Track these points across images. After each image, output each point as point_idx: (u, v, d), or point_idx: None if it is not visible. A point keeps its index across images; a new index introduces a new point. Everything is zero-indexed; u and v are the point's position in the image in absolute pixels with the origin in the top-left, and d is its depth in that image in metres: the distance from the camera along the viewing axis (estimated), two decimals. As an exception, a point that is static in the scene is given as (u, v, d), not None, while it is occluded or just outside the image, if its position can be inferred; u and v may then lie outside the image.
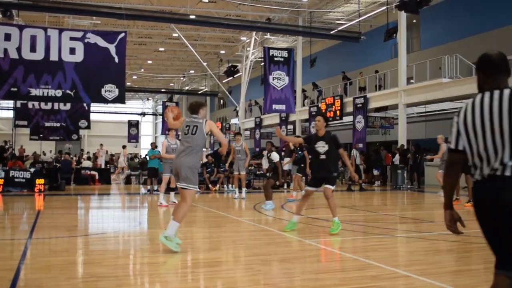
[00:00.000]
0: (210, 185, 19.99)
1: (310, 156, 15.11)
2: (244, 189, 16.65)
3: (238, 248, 7.82)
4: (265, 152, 21.55)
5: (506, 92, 3.11)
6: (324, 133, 8.96)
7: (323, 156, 8.87)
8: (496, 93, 3.13)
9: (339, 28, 31.08)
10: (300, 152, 15.83)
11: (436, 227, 10.02)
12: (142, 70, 51.19)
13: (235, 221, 11.21)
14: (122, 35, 18.65)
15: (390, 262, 6.51)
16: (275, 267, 6.26)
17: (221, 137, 7.72)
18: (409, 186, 22.07)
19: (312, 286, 5.42)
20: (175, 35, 36.09)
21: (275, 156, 14.00)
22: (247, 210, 13.86)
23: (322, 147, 8.86)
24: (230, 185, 20.07)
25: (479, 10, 28.20)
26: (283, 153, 19.48)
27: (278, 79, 25.84)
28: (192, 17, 25.08)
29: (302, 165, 15.69)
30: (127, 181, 25.07)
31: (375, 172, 24.96)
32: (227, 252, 7.37)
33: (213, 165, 20.88)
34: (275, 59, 26.05)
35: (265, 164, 22.28)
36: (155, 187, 18.59)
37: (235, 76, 37.91)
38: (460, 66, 22.72)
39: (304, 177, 16.05)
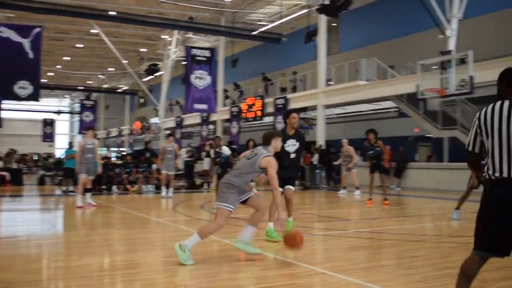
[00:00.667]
0: (128, 186, 19.58)
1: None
2: (171, 189, 16.89)
3: (156, 249, 7.70)
4: (207, 152, 21.35)
5: None
6: (294, 131, 8.48)
7: (293, 155, 8.36)
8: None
9: (261, 29, 31.41)
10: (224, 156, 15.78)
11: (351, 225, 10.30)
12: (59, 66, 49.48)
13: (153, 222, 11.04)
14: (38, 29, 17.99)
15: (307, 260, 6.62)
16: (193, 267, 6.20)
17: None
18: (326, 186, 22.54)
19: (231, 285, 5.42)
20: (94, 31, 35.22)
21: (226, 150, 13.21)
22: (166, 210, 13.69)
23: (292, 145, 8.36)
24: (149, 186, 19.80)
25: (395, 16, 29.34)
26: (203, 153, 19.46)
27: (200, 79, 25.75)
28: (112, 13, 24.50)
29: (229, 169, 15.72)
30: (41, 182, 24.02)
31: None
32: (145, 253, 7.22)
33: (131, 165, 20.47)
34: (197, 58, 25.95)
35: (206, 165, 22.08)
36: (71, 188, 17.98)
37: (156, 75, 37.49)
38: (377, 69, 23.50)
39: None
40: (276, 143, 6.87)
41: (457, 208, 10.56)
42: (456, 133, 19.43)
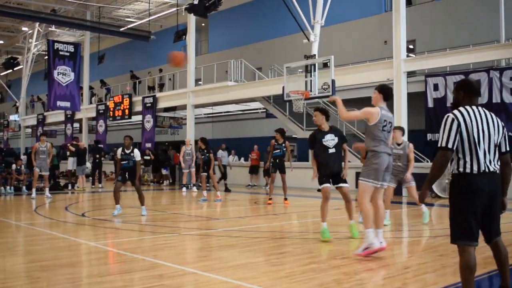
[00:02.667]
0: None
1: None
2: (47, 189, 16.61)
3: (15, 255, 7.26)
4: (72, 151, 20.47)
5: (484, 109, 4.31)
6: (329, 127, 8.40)
7: (332, 150, 8.23)
8: (479, 109, 4.28)
9: (129, 26, 30.72)
10: (207, 155, 15.83)
11: (220, 224, 10.43)
12: None
13: (13, 225, 10.40)
14: None
15: (177, 260, 6.61)
16: (58, 272, 5.94)
17: None
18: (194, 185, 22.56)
19: (98, 289, 5.26)
20: None
21: (137, 155, 11.42)
22: (27, 213, 12.95)
23: (331, 140, 8.26)
24: (8, 187, 18.62)
25: (264, 19, 30.16)
26: (68, 153, 18.73)
27: (63, 75, 24.69)
28: (-36, 1, 22.68)
29: (205, 167, 15.87)
30: None
31: (164, 172, 25.14)
32: (4, 259, 6.78)
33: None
34: (61, 53, 24.86)
35: (70, 166, 21.24)
36: None
37: (15, 69, 35.24)
38: (244, 70, 23.97)
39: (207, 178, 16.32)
40: None
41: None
42: (319, 134, 20.36)
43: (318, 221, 7.76)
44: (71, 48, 25.31)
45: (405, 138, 10.22)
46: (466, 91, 4.41)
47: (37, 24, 33.55)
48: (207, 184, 16.80)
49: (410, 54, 20.78)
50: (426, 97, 18.05)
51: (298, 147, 28.76)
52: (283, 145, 14.37)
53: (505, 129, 4.39)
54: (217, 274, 5.80)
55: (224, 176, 20.85)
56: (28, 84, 38.26)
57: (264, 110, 25.94)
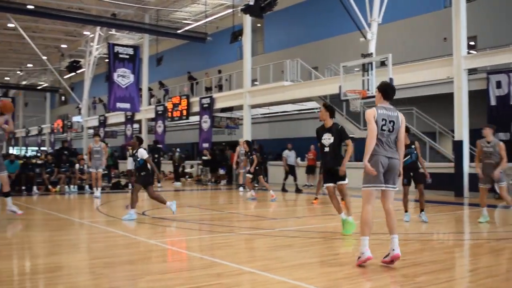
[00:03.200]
0: (50, 186, 18.93)
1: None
2: (99, 188, 16.77)
3: (79, 251, 7.50)
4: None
5: None
6: (331, 125, 8.67)
7: (327, 149, 8.59)
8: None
9: (186, 28, 31.17)
10: (251, 157, 16.20)
11: (277, 224, 10.43)
12: (-27, 61, 47.15)
13: (76, 223, 10.74)
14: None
15: (235, 259, 6.65)
16: (119, 269, 6.10)
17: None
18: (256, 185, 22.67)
19: (158, 286, 5.36)
20: (11, 25, 33.76)
21: (143, 154, 11.05)
22: (89, 211, 13.35)
23: (328, 139, 8.61)
24: (72, 186, 19.25)
25: (319, 18, 29.98)
26: (128, 153, 19.12)
27: (123, 77, 25.29)
28: (30, 7, 23.53)
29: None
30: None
31: (221, 172, 25.39)
32: (68, 256, 7.03)
33: (53, 165, 19.80)
34: (120, 56, 25.48)
35: (130, 165, 21.71)
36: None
37: (77, 72, 36.39)
38: (301, 70, 23.91)
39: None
40: None
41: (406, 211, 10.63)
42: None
43: (377, 222, 7.62)
44: (130, 51, 25.89)
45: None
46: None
47: (98, 28, 34.54)
48: (256, 185, 17.03)
49: (471, 51, 20.19)
50: (488, 95, 17.45)
51: (355, 147, 28.41)
52: None
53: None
54: (274, 274, 5.81)
55: (293, 176, 20.23)
56: (90, 86, 39.46)
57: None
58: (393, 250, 6.10)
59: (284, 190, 19.53)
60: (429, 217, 10.55)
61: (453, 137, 18.33)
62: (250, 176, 16.29)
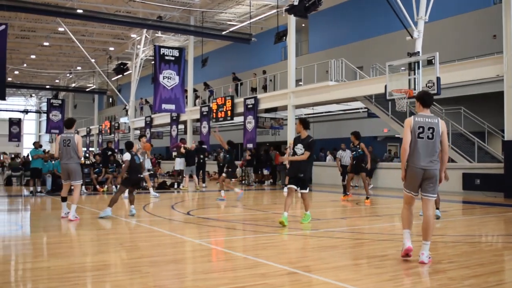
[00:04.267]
0: (97, 186, 19.35)
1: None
2: (150, 189, 17.46)
3: (126, 250, 7.63)
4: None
5: None
6: (305, 136, 9.86)
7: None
8: None
9: (230, 29, 31.38)
10: (228, 156, 16.42)
11: (322, 225, 10.37)
12: (25, 65, 48.57)
13: (123, 222, 10.94)
14: (2, 27, 17.60)
15: (279, 259, 6.65)
16: (165, 268, 6.18)
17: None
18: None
19: (203, 286, 5.40)
20: (61, 29, 34.70)
21: (124, 156, 11.64)
22: (136, 211, 13.55)
23: (299, 149, 9.81)
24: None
25: (364, 17, 29.67)
26: (174, 153, 19.34)
27: (169, 78, 25.57)
28: (79, 11, 24.16)
29: (230, 169, 16.27)
30: (8, 182, 23.57)
31: (265, 172, 25.41)
32: (115, 254, 7.17)
33: (101, 165, 20.24)
34: (166, 58, 25.75)
35: (178, 166, 22.22)
36: (38, 188, 17.77)
37: (124, 74, 37.11)
38: (345, 69, 23.71)
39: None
40: None
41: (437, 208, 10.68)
42: (424, 133, 19.72)
43: (419, 224, 7.46)
44: (176, 53, 26.16)
45: None
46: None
47: (144, 30, 35.15)
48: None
49: (522, 48, 19.60)
50: (540, 93, 16.92)
51: (399, 148, 28.00)
52: (358, 146, 15.18)
53: None
54: (319, 275, 5.78)
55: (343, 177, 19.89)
56: (136, 88, 40.17)
57: (366, 109, 25.52)
58: (422, 254, 6.36)
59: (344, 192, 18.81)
60: (477, 218, 10.29)
61: (503, 137, 17.84)
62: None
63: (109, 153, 21.31)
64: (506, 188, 16.60)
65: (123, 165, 11.57)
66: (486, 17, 23.26)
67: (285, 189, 19.63)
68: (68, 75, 53.05)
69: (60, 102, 45.86)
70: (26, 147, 56.16)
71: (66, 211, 10.93)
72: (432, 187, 6.49)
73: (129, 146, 11.86)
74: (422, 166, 6.41)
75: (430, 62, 17.06)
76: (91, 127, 53.97)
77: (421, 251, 6.35)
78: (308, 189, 10.20)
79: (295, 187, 9.93)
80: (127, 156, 11.47)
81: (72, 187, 11.06)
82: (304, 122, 9.87)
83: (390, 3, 17.79)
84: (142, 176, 11.73)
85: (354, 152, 15.32)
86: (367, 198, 14.95)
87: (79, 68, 50.25)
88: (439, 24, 23.90)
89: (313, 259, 6.82)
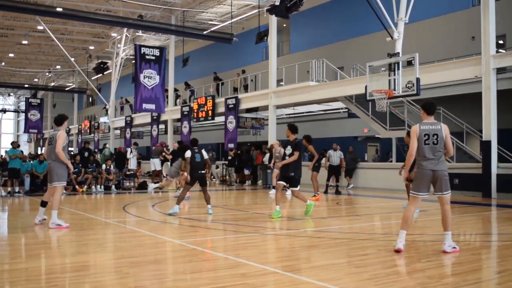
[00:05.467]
0: (77, 186, 19.17)
1: None
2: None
3: (106, 251, 7.58)
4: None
5: None
6: (293, 139, 10.99)
7: (287, 157, 10.88)
8: None
9: (211, 29, 31.30)
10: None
11: (303, 224, 10.40)
12: (3, 63, 47.96)
13: (102, 223, 10.86)
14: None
15: (260, 259, 6.65)
16: (145, 269, 6.15)
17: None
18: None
19: (183, 286, 5.39)
20: (40, 27, 34.33)
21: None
22: (115, 211, 13.48)
23: (288, 149, 10.89)
24: (98, 186, 19.47)
25: (345, 18, 29.83)
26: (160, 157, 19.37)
27: (149, 78, 25.46)
28: (59, 9, 23.86)
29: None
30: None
31: (246, 172, 25.40)
32: (95, 255, 7.11)
33: (80, 165, 20.06)
34: (147, 57, 25.64)
35: (153, 166, 22.26)
36: (16, 189, 17.58)
37: (105, 73, 36.78)
38: (326, 70, 23.81)
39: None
40: None
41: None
42: (404, 134, 19.87)
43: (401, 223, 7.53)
44: (156, 52, 26.04)
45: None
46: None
47: (125, 29, 34.90)
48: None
49: (500, 50, 19.87)
50: (517, 94, 17.19)
51: (381, 147, 28.22)
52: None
53: None
54: (299, 274, 5.80)
55: (335, 177, 19.86)
56: (116, 88, 39.88)
57: (346, 109, 25.65)
58: (444, 244, 7.08)
59: (326, 192, 18.98)
60: (456, 218, 10.41)
61: (481, 137, 18.06)
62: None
63: (86, 153, 21.13)
64: (484, 187, 16.80)
65: (183, 163, 12.45)
66: (465, 19, 23.54)
67: (272, 191, 19.68)
68: (47, 74, 52.47)
69: (38, 101, 45.37)
70: (4, 147, 55.39)
71: (41, 218, 10.00)
72: (442, 186, 7.13)
73: (194, 142, 12.35)
74: (431, 168, 7.09)
75: (410, 63, 17.21)
76: (70, 127, 53.43)
77: (443, 242, 7.09)
78: (298, 187, 11.19)
79: (283, 183, 11.01)
80: (188, 154, 11.77)
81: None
82: (292, 128, 11.05)
83: (371, 4, 17.90)
84: (203, 172, 11.76)
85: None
86: (314, 195, 15.44)
87: (58, 67, 49.72)
88: (419, 25, 24.12)
89: (294, 259, 6.83)
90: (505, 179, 16.35)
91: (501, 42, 21.87)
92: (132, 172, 23.09)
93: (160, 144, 24.67)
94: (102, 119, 43.80)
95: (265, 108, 26.41)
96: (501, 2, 20.58)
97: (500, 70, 17.91)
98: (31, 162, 19.67)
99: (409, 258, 6.89)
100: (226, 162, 26.54)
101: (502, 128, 17.23)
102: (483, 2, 17.26)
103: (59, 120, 10.02)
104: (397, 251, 6.95)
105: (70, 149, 49.64)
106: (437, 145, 7.07)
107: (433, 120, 7.27)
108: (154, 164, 22.43)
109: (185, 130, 31.24)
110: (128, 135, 37.92)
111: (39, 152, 34.46)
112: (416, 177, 7.24)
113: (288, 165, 10.81)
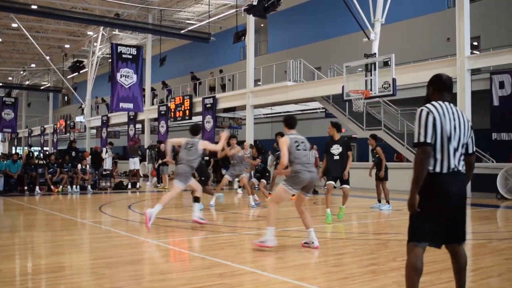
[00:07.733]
0: (52, 186, 18.95)
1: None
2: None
3: (81, 251, 7.51)
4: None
5: (456, 107, 4.11)
6: (338, 138, 10.63)
7: (336, 157, 10.54)
8: (451, 105, 4.06)
9: (189, 28, 31.19)
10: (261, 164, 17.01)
11: (279, 224, 10.42)
12: (-25, 62, 47.23)
13: (78, 223, 10.76)
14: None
15: (237, 259, 6.66)
16: (121, 269, 6.11)
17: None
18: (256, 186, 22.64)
19: (160, 286, 5.36)
20: (14, 25, 33.86)
21: None
22: (91, 212, 13.36)
23: (336, 149, 10.57)
24: (74, 186, 19.26)
25: (322, 18, 29.97)
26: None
27: (126, 77, 25.28)
28: (34, 7, 23.52)
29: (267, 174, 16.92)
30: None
31: (224, 172, 25.34)
32: (70, 256, 7.04)
33: (56, 165, 19.83)
34: (123, 56, 25.46)
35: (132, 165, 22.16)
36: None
37: (81, 72, 36.41)
38: (304, 70, 23.90)
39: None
40: None
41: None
42: (381, 134, 20.05)
43: (378, 222, 7.63)
44: (133, 51, 25.86)
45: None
46: (436, 86, 4.19)
47: (101, 28, 34.57)
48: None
49: (474, 51, 20.16)
50: (491, 95, 17.45)
51: (358, 147, 28.42)
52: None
53: (472, 129, 4.16)
54: (276, 274, 5.81)
55: None
56: (93, 87, 39.52)
57: (324, 110, 25.77)
58: (311, 241, 7.47)
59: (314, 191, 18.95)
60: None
61: (456, 137, 18.29)
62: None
63: (73, 153, 20.88)
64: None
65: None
66: (440, 20, 23.83)
67: (240, 190, 19.69)
68: (21, 72, 51.74)
69: (13, 100, 44.70)
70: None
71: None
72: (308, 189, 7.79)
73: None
74: (308, 169, 7.56)
75: (386, 64, 17.38)
76: (45, 126, 52.78)
77: (310, 238, 7.54)
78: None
79: (333, 183, 10.83)
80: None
81: None
82: (336, 126, 10.79)
83: (348, 5, 18.02)
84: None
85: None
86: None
87: (33, 65, 49.05)
88: (395, 26, 24.35)
89: (271, 258, 6.86)
90: (479, 178, 16.60)
91: (475, 43, 22.19)
92: (108, 172, 22.88)
93: (133, 142, 24.51)
94: (78, 119, 43.36)
95: (243, 108, 26.41)
96: (475, 4, 20.89)
97: (474, 71, 18.18)
98: (5, 162, 19.38)
99: (385, 257, 6.95)
100: (203, 162, 26.43)
101: (476, 129, 17.43)
102: (458, 4, 17.50)
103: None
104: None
105: (45, 148, 49.08)
106: (306, 151, 7.78)
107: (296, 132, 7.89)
108: (134, 163, 22.27)
109: (162, 129, 31.10)
110: (104, 135, 37.60)
111: (13, 152, 34.00)
112: (291, 177, 7.60)
113: (342, 165, 10.60)
